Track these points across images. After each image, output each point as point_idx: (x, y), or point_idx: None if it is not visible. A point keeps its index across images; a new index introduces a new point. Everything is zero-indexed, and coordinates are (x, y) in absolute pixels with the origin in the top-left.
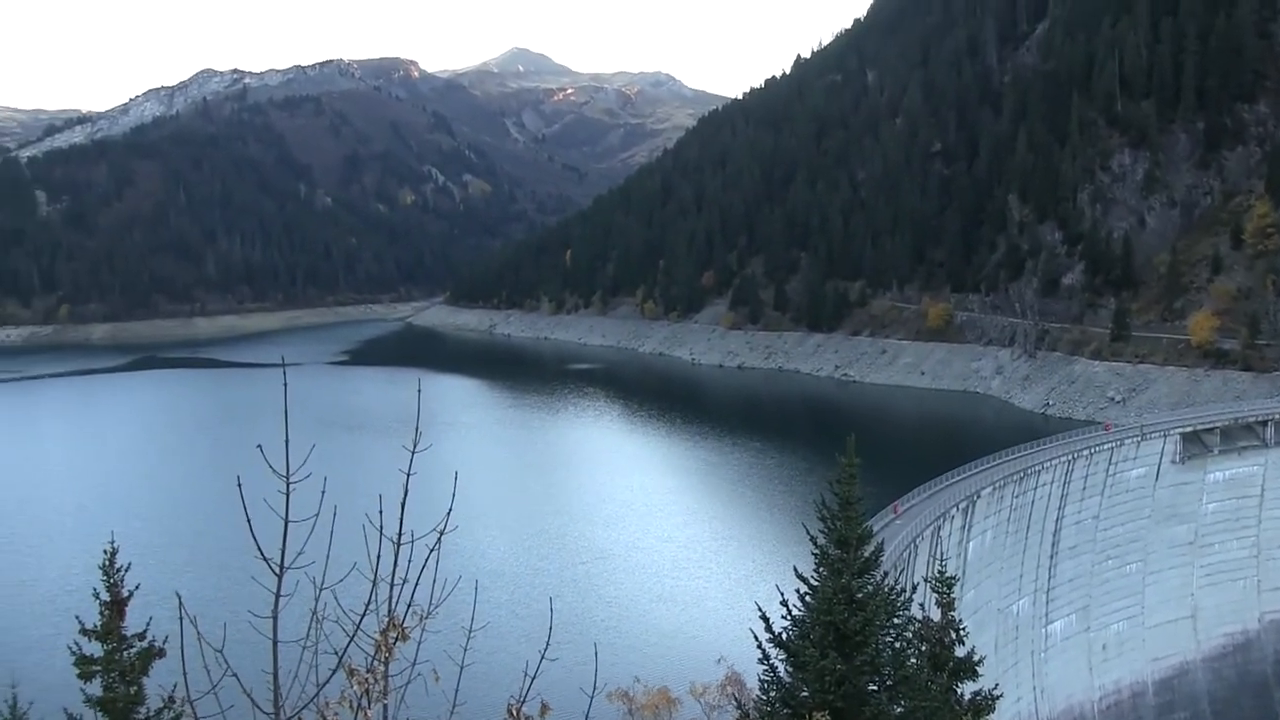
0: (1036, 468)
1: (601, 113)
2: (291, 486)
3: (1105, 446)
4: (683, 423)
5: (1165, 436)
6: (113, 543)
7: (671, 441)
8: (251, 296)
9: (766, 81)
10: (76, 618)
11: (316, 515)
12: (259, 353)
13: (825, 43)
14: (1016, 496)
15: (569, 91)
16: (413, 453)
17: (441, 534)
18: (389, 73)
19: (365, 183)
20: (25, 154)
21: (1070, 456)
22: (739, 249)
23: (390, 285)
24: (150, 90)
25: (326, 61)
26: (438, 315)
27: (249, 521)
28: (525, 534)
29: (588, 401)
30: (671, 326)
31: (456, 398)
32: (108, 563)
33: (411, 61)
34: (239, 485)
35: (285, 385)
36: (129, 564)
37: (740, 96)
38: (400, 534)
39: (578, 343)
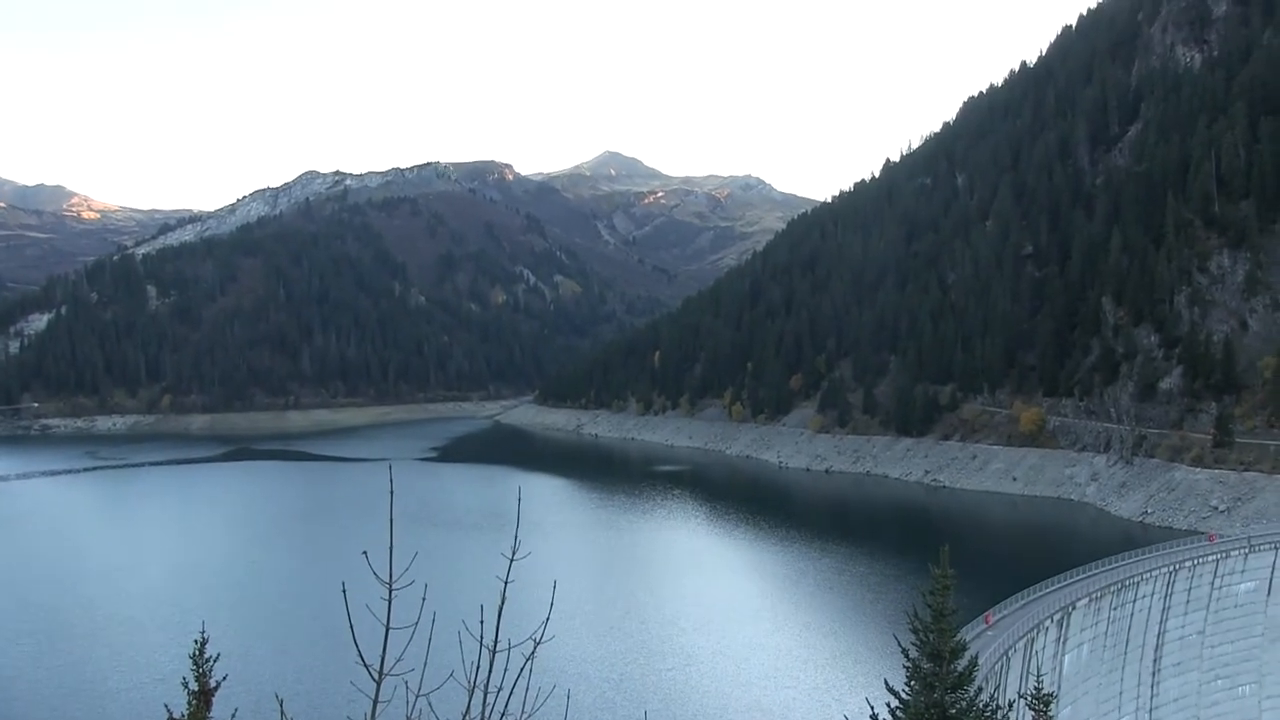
0: (1136, 579)
1: (691, 215)
2: (394, 593)
3: (1210, 558)
4: (769, 527)
5: (1277, 549)
6: (203, 633)
7: (759, 545)
8: (345, 391)
9: (856, 185)
10: (165, 706)
11: (416, 623)
12: (350, 447)
13: (914, 146)
14: (1115, 609)
15: (659, 194)
16: (511, 560)
17: (538, 643)
18: (484, 175)
19: (459, 282)
20: (141, 251)
21: (1172, 568)
22: (828, 352)
23: (480, 383)
24: (257, 191)
25: (424, 164)
26: (526, 414)
27: (351, 627)
28: (616, 638)
29: (675, 503)
30: (759, 429)
31: (546, 497)
32: (197, 652)
33: (506, 164)
34: (344, 591)
35: (391, 493)
36: (218, 654)
37: (829, 199)
38: (496, 642)
39: (665, 444)
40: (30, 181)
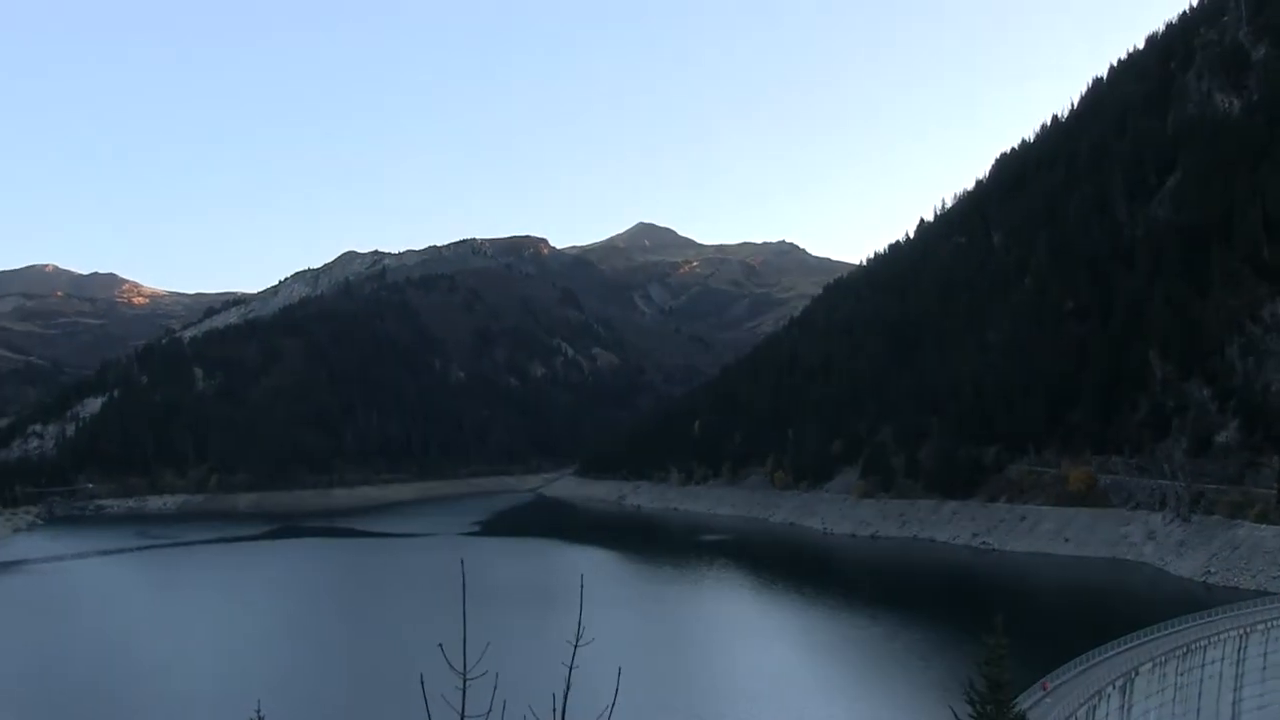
0: (1203, 642)
1: (727, 283)
2: (468, 683)
3: None
4: (817, 594)
5: None
6: (259, 711)
7: (807, 613)
8: (387, 467)
9: (890, 246)
10: None
11: (488, 712)
12: (394, 523)
13: (948, 205)
14: (1181, 674)
15: (694, 264)
16: (575, 646)
17: None
18: (519, 250)
19: (497, 357)
20: (188, 334)
21: (1243, 631)
22: (868, 416)
23: (521, 457)
24: (298, 272)
25: (460, 241)
26: (568, 486)
27: (429, 717)
28: (669, 711)
29: (720, 573)
30: (802, 496)
31: (592, 571)
32: None
33: (541, 239)
34: (421, 683)
35: (464, 585)
36: None
37: (864, 262)
38: None
39: (707, 513)
40: (85, 270)
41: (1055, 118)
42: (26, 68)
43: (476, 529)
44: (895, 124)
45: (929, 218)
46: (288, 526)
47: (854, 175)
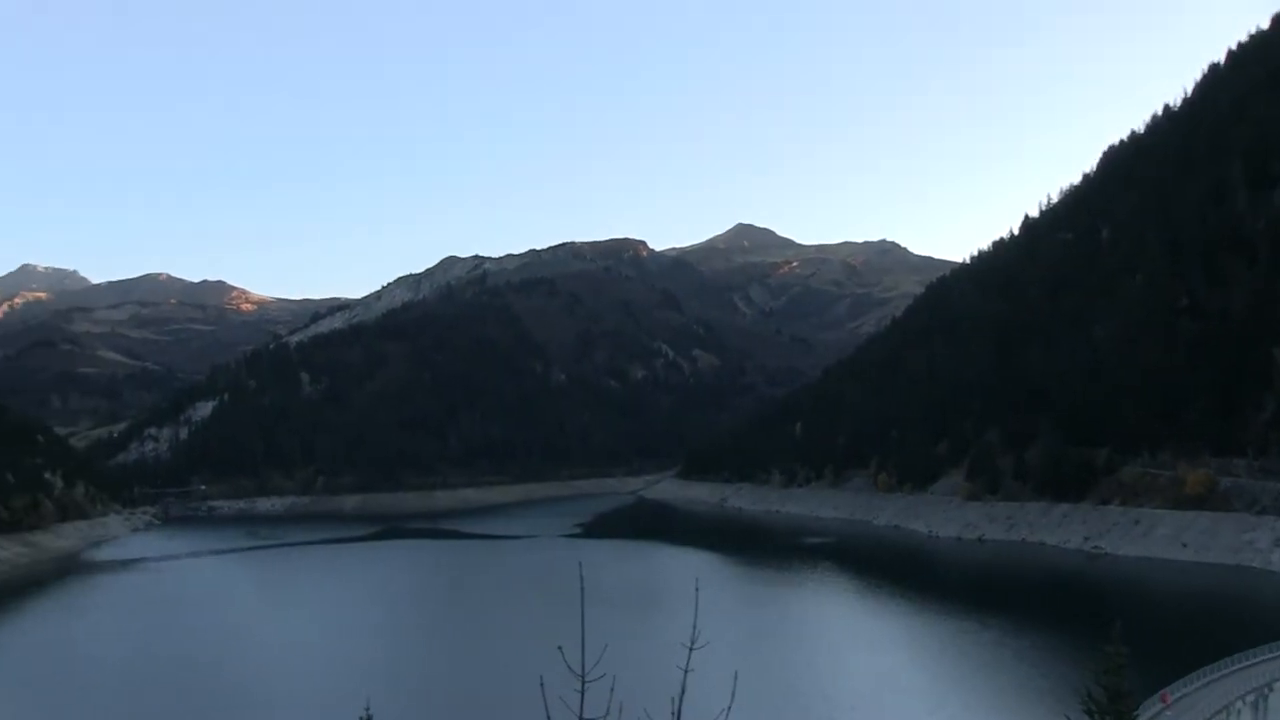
0: None
1: (827, 284)
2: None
3: None
4: (922, 598)
5: None
6: (368, 708)
7: (913, 618)
8: (490, 470)
9: (994, 243)
10: None
11: (605, 715)
12: (497, 525)
13: (1054, 200)
14: None
15: (794, 264)
16: (690, 649)
17: None
18: (619, 253)
19: (597, 359)
20: (294, 339)
21: None
22: (974, 417)
23: (622, 459)
24: (400, 278)
25: (560, 244)
26: (669, 489)
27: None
28: (781, 715)
29: (823, 576)
30: (906, 499)
31: (695, 574)
32: None
33: (640, 241)
34: (541, 685)
35: (582, 588)
36: None
37: (968, 260)
38: None
39: (810, 516)
40: (196, 278)
41: (1167, 107)
42: (141, 94)
43: (578, 531)
44: (999, 120)
45: (1034, 214)
46: (392, 528)
47: (957, 172)
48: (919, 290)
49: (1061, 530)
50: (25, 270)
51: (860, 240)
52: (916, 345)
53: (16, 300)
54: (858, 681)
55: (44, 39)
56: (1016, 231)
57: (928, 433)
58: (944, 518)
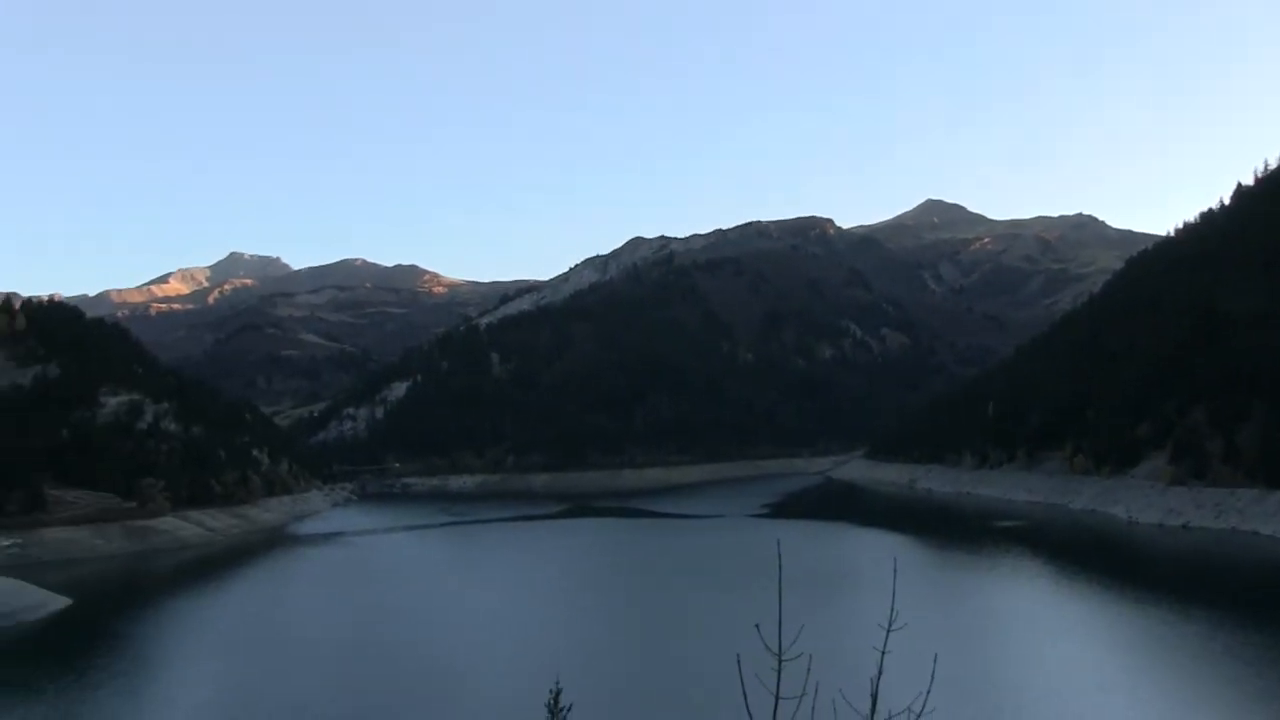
0: None
1: (1020, 259)
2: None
3: None
4: (1121, 587)
5: None
6: (558, 683)
7: (1110, 607)
8: (676, 450)
9: (1202, 215)
10: None
11: (802, 694)
12: (684, 504)
13: (1271, 166)
14: None
15: (985, 240)
16: (888, 630)
17: (918, 715)
18: (805, 231)
19: (784, 339)
20: (484, 321)
21: None
22: (1178, 397)
23: (809, 439)
24: (587, 259)
25: (745, 223)
26: (857, 469)
27: (745, 697)
28: (975, 700)
29: (1016, 560)
30: (1103, 482)
31: (885, 555)
32: (553, 701)
33: (827, 219)
34: (738, 663)
35: (780, 567)
36: (571, 704)
37: (1171, 233)
38: (874, 712)
39: (1002, 498)
40: (389, 263)
41: None
42: (334, 90)
43: (766, 511)
44: (1206, 83)
45: (1248, 181)
46: (580, 506)
47: (1159, 140)
48: (1118, 265)
49: (1278, 519)
50: (233, 258)
51: (1055, 214)
52: (1116, 322)
53: (226, 287)
54: (1053, 669)
55: (243, 35)
56: (1227, 201)
57: (1127, 414)
58: (1145, 502)
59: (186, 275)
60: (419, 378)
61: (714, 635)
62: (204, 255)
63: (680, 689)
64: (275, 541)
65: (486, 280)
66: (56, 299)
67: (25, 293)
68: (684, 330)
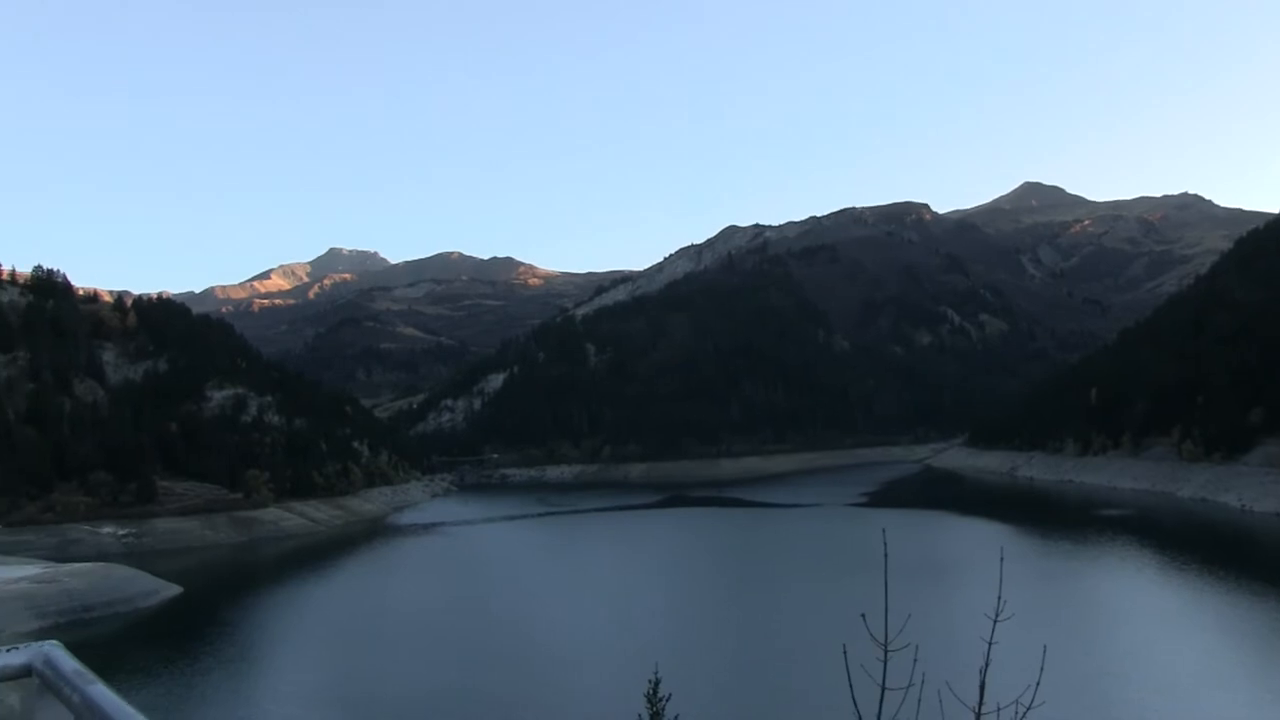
0: None
1: (1122, 242)
2: (890, 654)
3: None
4: (1234, 578)
5: None
6: (656, 672)
7: (1223, 600)
8: (772, 438)
9: None
10: None
11: (908, 685)
12: (780, 493)
13: None
14: None
15: (1086, 222)
16: (995, 621)
17: (1028, 708)
18: (901, 217)
19: (881, 325)
20: (580, 312)
21: None
22: None
23: (907, 427)
24: (682, 249)
25: (840, 210)
26: (957, 457)
27: (851, 687)
28: (1085, 692)
29: (1123, 550)
30: (1214, 469)
31: (986, 545)
32: (651, 690)
33: (922, 205)
34: (844, 653)
35: (885, 556)
36: (670, 694)
37: None
38: (981, 704)
39: (1106, 486)
40: (485, 256)
41: None
42: (433, 88)
43: (864, 500)
44: None
45: None
46: (677, 495)
47: (1268, 114)
48: (1226, 245)
49: None
50: (333, 254)
51: (1159, 194)
52: (1225, 304)
53: (326, 282)
54: (1164, 663)
55: (337, 39)
56: None
57: (1238, 399)
58: (1260, 490)
59: (287, 271)
60: (516, 369)
61: (816, 625)
62: (304, 251)
63: (781, 678)
64: (376, 532)
65: (582, 271)
66: (165, 296)
67: (136, 291)
68: (779, 318)
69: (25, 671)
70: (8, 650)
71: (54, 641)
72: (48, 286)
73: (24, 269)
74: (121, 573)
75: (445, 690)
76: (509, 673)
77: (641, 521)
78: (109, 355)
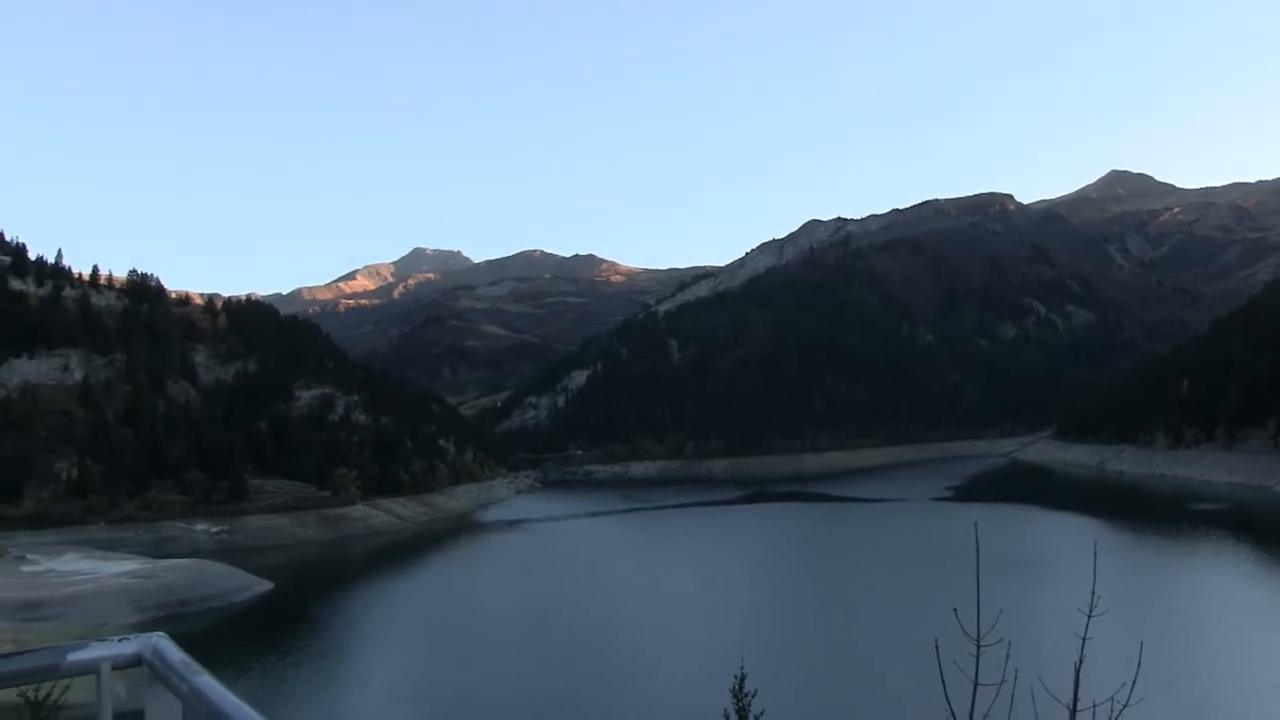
0: None
1: (1214, 229)
2: (982, 650)
3: None
4: None
5: None
6: (742, 667)
7: None
8: (855, 433)
9: None
10: None
11: (1001, 681)
12: (865, 488)
13: None
14: None
15: (1175, 210)
16: (1089, 616)
17: (1124, 705)
18: (984, 208)
19: (965, 318)
20: (662, 308)
21: None
22: None
23: (993, 420)
24: (764, 243)
25: (922, 202)
26: (1044, 450)
27: (943, 683)
28: (1180, 694)
29: (1217, 546)
30: None
31: (1076, 540)
32: (737, 686)
33: (1006, 195)
34: (936, 648)
35: (977, 552)
36: (756, 690)
37: None
38: (1076, 701)
39: (1199, 480)
40: (567, 253)
41: None
42: (505, 82)
43: (949, 494)
44: None
45: None
46: (761, 491)
47: None
48: None
49: None
50: (416, 253)
51: (1253, 180)
52: None
53: (410, 281)
54: (1264, 663)
55: (417, 40)
56: None
57: None
58: None
59: (372, 271)
60: (599, 366)
61: (903, 619)
62: (388, 252)
63: (867, 673)
64: (462, 528)
65: (663, 268)
66: (254, 298)
67: (226, 293)
68: (862, 312)
69: (135, 661)
70: (119, 640)
71: (161, 633)
72: (142, 290)
73: (120, 273)
74: (215, 569)
75: (531, 685)
76: (595, 667)
77: (726, 517)
78: (201, 357)
